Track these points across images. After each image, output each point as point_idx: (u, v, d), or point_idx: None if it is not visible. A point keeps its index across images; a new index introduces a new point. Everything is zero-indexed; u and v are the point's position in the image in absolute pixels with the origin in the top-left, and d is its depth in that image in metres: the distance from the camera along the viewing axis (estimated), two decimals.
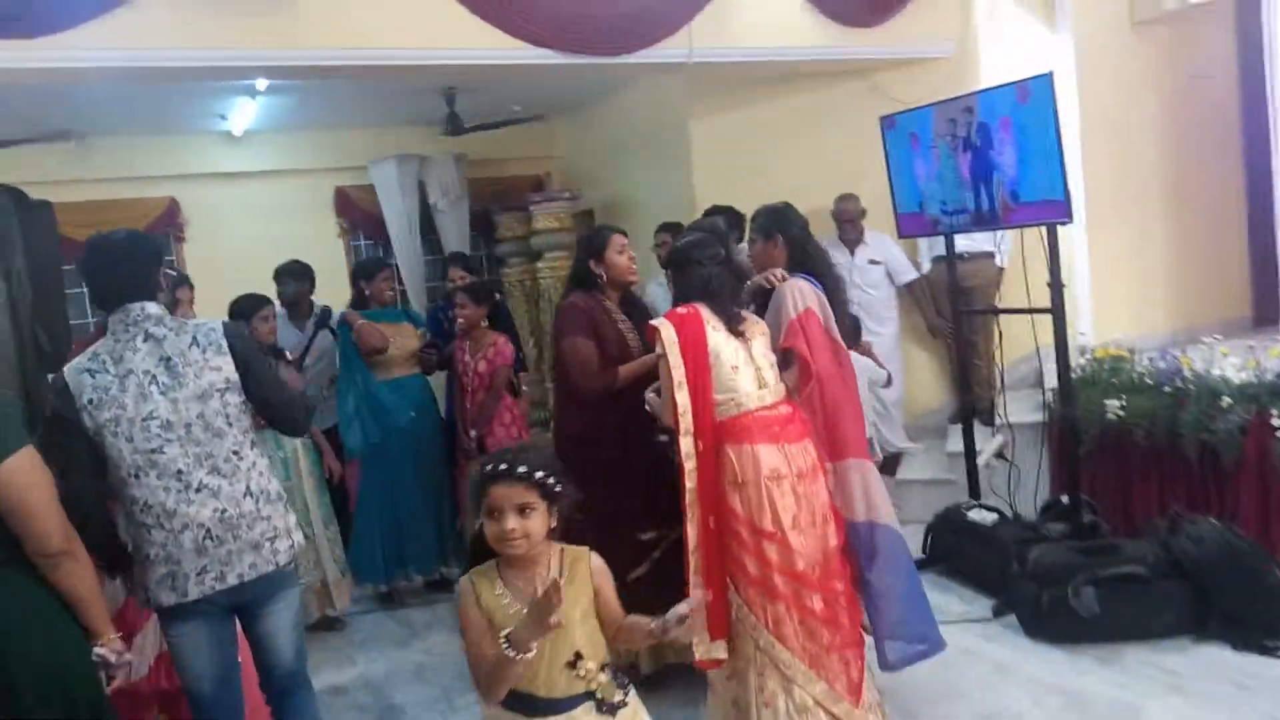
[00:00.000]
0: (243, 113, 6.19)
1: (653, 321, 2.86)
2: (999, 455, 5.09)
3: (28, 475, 1.98)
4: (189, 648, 2.41)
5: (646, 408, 2.94)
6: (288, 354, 4.25)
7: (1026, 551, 3.95)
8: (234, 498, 2.38)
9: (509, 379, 4.56)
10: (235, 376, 2.41)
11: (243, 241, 6.76)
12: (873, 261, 5.59)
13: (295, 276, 4.97)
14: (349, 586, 4.37)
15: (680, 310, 2.85)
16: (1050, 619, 3.71)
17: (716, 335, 2.78)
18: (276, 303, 4.62)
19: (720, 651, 2.69)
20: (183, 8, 3.65)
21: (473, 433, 4.48)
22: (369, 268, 4.78)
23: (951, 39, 5.64)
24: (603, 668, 1.95)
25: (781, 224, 3.10)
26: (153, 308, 2.44)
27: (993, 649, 3.70)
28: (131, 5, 3.54)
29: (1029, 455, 4.72)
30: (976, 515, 4.45)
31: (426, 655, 3.92)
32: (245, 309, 4.12)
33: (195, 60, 3.85)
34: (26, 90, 4.47)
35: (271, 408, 2.52)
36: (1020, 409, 4.93)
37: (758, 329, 2.91)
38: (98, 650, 2.02)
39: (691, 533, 2.72)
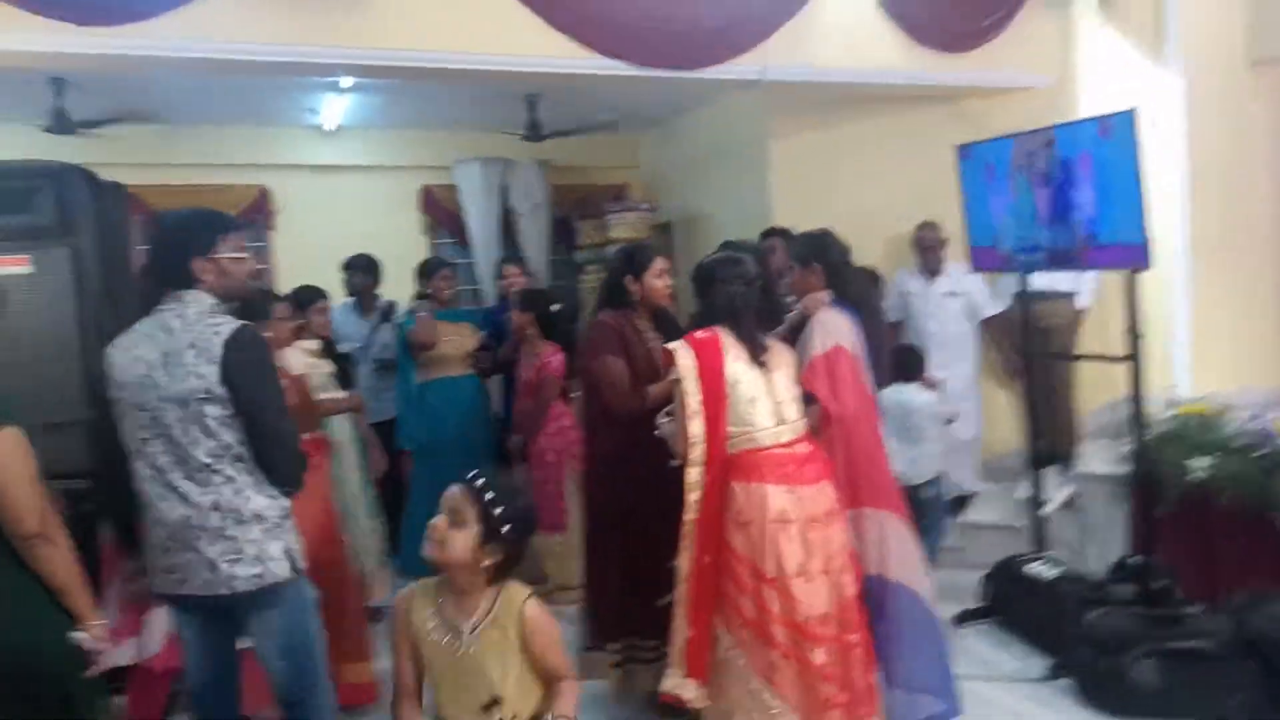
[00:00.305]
0: (332, 108, 6.35)
1: (669, 345, 2.73)
2: (1068, 506, 4.80)
3: (6, 456, 2.02)
4: (183, 638, 2.40)
5: (656, 433, 2.82)
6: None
7: (1088, 612, 3.71)
8: (201, 508, 2.23)
9: (558, 390, 4.50)
10: (219, 389, 2.21)
11: (330, 233, 6.90)
12: (950, 294, 5.36)
13: (363, 270, 5.06)
14: (388, 579, 4.35)
15: (700, 335, 2.71)
16: (1107, 688, 3.46)
17: (736, 364, 2.66)
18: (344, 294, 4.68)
19: (688, 691, 2.56)
20: (256, 3, 3.72)
21: (516, 438, 4.44)
22: (429, 266, 4.81)
23: (1049, 70, 5.38)
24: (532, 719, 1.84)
25: (819, 251, 2.96)
26: (190, 296, 2.30)
27: (1042, 713, 3.48)
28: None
29: (1106, 509, 4.43)
30: (1036, 568, 4.19)
31: None
32: (302, 300, 4.18)
33: (267, 55, 3.88)
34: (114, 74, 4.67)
35: (256, 438, 2.26)
36: (1103, 459, 4.64)
37: (783, 359, 2.77)
38: (74, 635, 2.04)
39: (684, 564, 2.63)
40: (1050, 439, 4.89)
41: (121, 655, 2.59)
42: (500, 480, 1.89)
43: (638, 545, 3.00)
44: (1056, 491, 4.87)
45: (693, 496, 2.61)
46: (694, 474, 2.61)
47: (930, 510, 4.31)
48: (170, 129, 6.46)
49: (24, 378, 3.24)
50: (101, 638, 2.11)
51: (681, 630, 2.59)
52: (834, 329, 2.74)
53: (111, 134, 5.88)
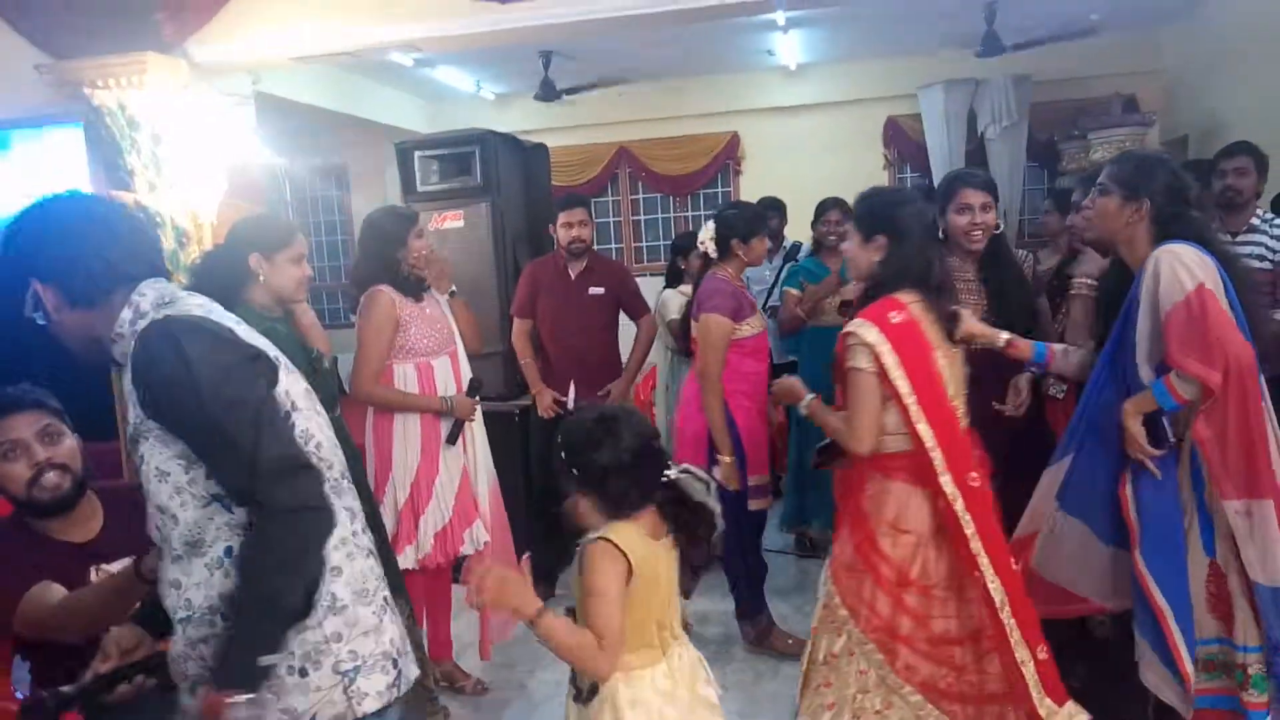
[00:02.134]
0: (787, 46, 6.35)
1: (851, 327, 2.17)
2: None
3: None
4: None
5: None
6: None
7: None
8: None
9: None
10: (142, 420, 1.45)
11: (794, 173, 7.02)
12: None
13: (779, 210, 5.03)
14: None
15: (892, 316, 2.14)
16: None
17: (937, 354, 2.18)
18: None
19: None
20: None
21: None
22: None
23: None
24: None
25: (1147, 179, 2.12)
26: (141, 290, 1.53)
27: None
28: None
29: None
30: None
31: (792, 610, 3.79)
32: (678, 246, 4.25)
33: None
34: (582, 44, 5.23)
35: (215, 470, 1.43)
36: None
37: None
38: None
39: (995, 589, 2.10)
40: None
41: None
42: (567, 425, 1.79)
43: None
44: None
45: (958, 506, 2.12)
46: (950, 488, 2.12)
47: None
48: (649, 86, 7.07)
49: None
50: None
51: (1027, 659, 2.11)
52: (1187, 264, 1.98)
53: (599, 97, 6.67)
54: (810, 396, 2.36)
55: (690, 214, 7.78)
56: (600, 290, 3.80)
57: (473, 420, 3.06)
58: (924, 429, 2.12)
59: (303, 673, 1.45)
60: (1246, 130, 4.98)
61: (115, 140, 4.30)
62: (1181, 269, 2.01)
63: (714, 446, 3.13)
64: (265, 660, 1.37)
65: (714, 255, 3.24)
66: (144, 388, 1.43)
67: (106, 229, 1.52)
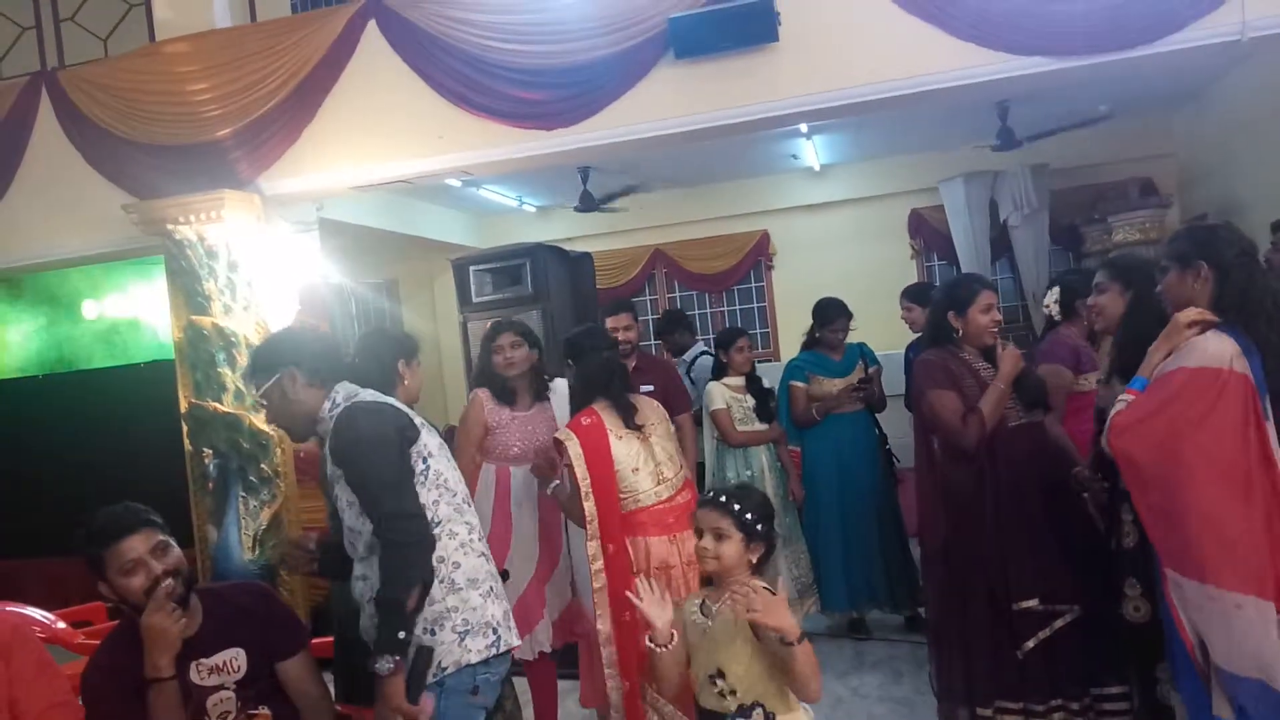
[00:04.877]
0: (810, 150, 6.70)
1: (557, 434, 3.01)
2: None
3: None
4: None
5: (547, 492, 3.08)
6: None
7: None
8: None
9: None
10: (333, 470, 2.15)
11: (824, 266, 7.30)
12: None
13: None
14: (808, 605, 4.35)
15: (584, 421, 2.98)
16: None
17: (619, 444, 2.95)
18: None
19: None
20: (684, 81, 4.22)
21: None
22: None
23: None
24: (752, 705, 2.02)
25: (1208, 248, 2.20)
26: None
27: None
28: (633, 93, 4.25)
29: None
30: None
31: (849, 692, 3.84)
32: (722, 341, 4.47)
33: (706, 121, 4.35)
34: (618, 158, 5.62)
35: (362, 506, 2.09)
36: None
37: (655, 416, 3.08)
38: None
39: (603, 628, 2.91)
40: None
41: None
42: (735, 490, 2.17)
43: (985, 586, 2.74)
44: None
45: (596, 565, 2.93)
46: (593, 547, 2.93)
47: None
48: (681, 191, 7.46)
49: None
50: None
51: (616, 686, 2.88)
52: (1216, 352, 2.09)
53: (635, 202, 7.03)
54: None
55: (725, 309, 8.06)
56: (651, 388, 4.02)
57: None
58: None
59: (432, 631, 2.06)
60: (1266, 206, 5.19)
61: (195, 269, 4.68)
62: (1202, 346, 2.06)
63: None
64: (400, 635, 1.94)
65: (1057, 317, 3.50)
66: (334, 451, 2.11)
67: (332, 343, 2.42)
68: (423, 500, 2.09)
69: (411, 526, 2.00)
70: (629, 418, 3.02)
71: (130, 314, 6.47)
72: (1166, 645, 2.20)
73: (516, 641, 2.21)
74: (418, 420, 2.20)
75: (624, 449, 2.97)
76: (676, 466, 3.06)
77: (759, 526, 2.12)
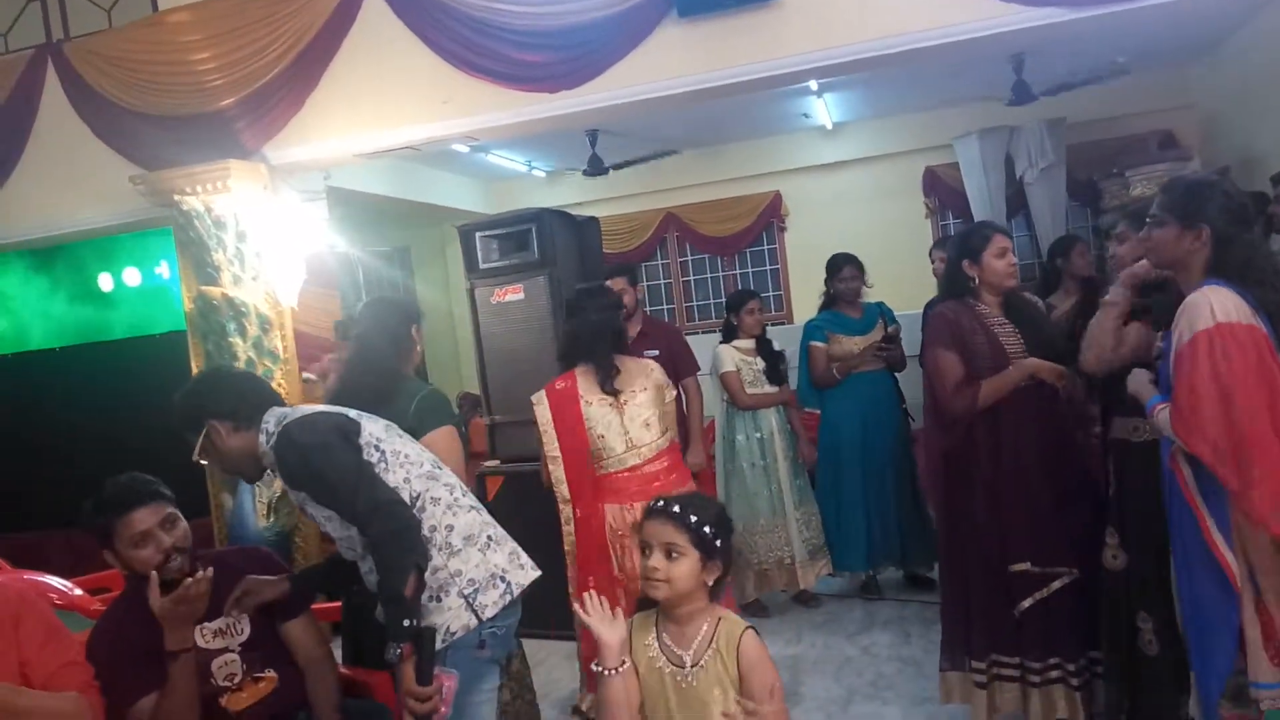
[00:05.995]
0: (821, 109, 6.60)
1: (532, 397, 3.07)
2: None
3: (444, 449, 2.44)
4: None
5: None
6: None
7: None
8: None
9: None
10: (296, 493, 2.12)
11: (837, 227, 7.21)
12: None
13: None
14: (819, 568, 4.36)
15: (559, 385, 3.04)
16: None
17: (588, 409, 2.98)
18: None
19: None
20: (689, 39, 4.15)
21: None
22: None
23: None
24: None
25: (1211, 208, 2.09)
26: None
27: None
28: (637, 53, 4.19)
29: None
30: None
31: (859, 651, 3.85)
32: (732, 303, 4.45)
33: (721, 79, 4.27)
34: (626, 121, 5.54)
35: (340, 513, 2.04)
36: None
37: (643, 382, 3.04)
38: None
39: (571, 588, 3.05)
40: None
41: None
42: (686, 498, 1.88)
43: (980, 551, 2.73)
44: None
45: (568, 528, 3.04)
46: (565, 510, 3.04)
47: None
48: (691, 153, 7.37)
49: (518, 377, 4.16)
50: None
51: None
52: (1216, 302, 2.03)
53: (644, 167, 6.96)
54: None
55: (738, 272, 8.01)
56: (655, 352, 4.01)
57: None
58: None
59: (437, 599, 2.01)
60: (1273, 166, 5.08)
61: (203, 240, 4.69)
62: (1204, 308, 2.02)
63: None
64: (406, 623, 1.88)
65: None
66: (287, 479, 2.08)
67: (245, 378, 2.36)
68: (392, 484, 2.04)
69: (393, 513, 1.95)
70: (607, 382, 3.01)
71: (158, 285, 6.50)
72: (1180, 594, 2.20)
73: (533, 574, 2.15)
74: (352, 413, 2.15)
75: (594, 413, 3.00)
76: (656, 434, 3.03)
77: (717, 543, 1.81)
